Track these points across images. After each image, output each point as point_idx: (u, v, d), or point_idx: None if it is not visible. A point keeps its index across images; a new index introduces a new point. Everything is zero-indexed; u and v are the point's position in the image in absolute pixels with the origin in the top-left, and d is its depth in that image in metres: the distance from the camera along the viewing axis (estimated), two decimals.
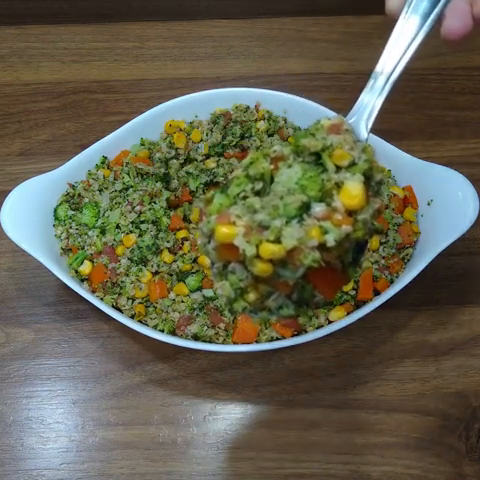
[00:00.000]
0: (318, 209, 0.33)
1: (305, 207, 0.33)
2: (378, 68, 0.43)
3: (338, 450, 0.55)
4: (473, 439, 0.55)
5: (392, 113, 0.74)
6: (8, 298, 0.62)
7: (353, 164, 0.34)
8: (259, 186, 0.35)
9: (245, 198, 0.34)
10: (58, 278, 0.54)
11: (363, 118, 0.40)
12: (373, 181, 0.35)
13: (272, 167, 0.35)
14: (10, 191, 0.57)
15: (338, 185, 0.34)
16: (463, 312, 0.61)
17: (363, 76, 0.80)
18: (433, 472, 0.54)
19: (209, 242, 0.35)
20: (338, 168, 0.34)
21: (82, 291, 0.55)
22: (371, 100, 0.41)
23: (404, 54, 0.43)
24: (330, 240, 0.32)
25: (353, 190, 0.33)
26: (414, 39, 0.43)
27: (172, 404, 0.57)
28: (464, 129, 0.73)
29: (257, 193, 0.35)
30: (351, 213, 0.33)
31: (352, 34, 0.81)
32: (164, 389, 0.57)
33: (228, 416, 0.56)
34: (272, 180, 0.35)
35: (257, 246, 0.33)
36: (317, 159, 0.35)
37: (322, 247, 0.32)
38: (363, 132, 0.40)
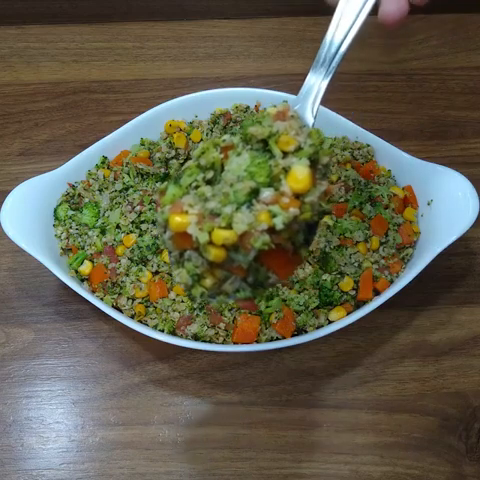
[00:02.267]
0: (266, 194, 0.34)
1: (254, 193, 0.34)
2: (321, 52, 0.43)
3: (338, 450, 0.55)
4: (473, 439, 0.55)
5: (392, 113, 0.75)
6: (8, 298, 0.62)
7: (299, 149, 0.35)
8: (210, 175, 0.36)
9: (197, 187, 0.35)
10: (58, 278, 0.54)
11: (309, 103, 0.42)
12: (320, 164, 0.36)
13: (222, 156, 0.36)
14: (10, 191, 0.56)
15: (285, 170, 0.35)
16: (463, 312, 0.61)
17: (363, 76, 0.81)
18: (433, 472, 0.54)
19: (165, 232, 0.35)
20: (285, 153, 0.35)
21: (82, 291, 0.55)
22: (316, 83, 0.42)
23: (345, 38, 0.43)
24: (278, 223, 0.33)
25: (299, 174, 0.34)
26: (355, 22, 0.43)
27: (172, 404, 0.57)
28: (464, 129, 0.73)
29: (208, 182, 0.35)
30: (298, 196, 0.34)
31: None
32: (164, 389, 0.57)
33: (228, 416, 0.56)
34: (223, 169, 0.36)
35: (209, 233, 0.34)
36: (265, 146, 0.36)
37: (272, 230, 0.33)
38: (309, 117, 0.41)
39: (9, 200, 0.56)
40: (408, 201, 0.61)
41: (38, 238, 0.56)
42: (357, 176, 0.61)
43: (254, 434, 0.56)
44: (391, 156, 0.62)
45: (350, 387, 0.57)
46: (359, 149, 0.64)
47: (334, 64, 0.43)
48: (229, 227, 0.34)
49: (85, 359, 0.59)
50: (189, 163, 0.37)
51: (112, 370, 0.58)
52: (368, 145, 0.64)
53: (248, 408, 0.57)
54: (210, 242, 0.34)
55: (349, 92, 0.76)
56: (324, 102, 0.64)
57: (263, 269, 0.36)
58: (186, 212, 0.34)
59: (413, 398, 0.57)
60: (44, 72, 0.78)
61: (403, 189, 0.62)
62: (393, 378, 0.58)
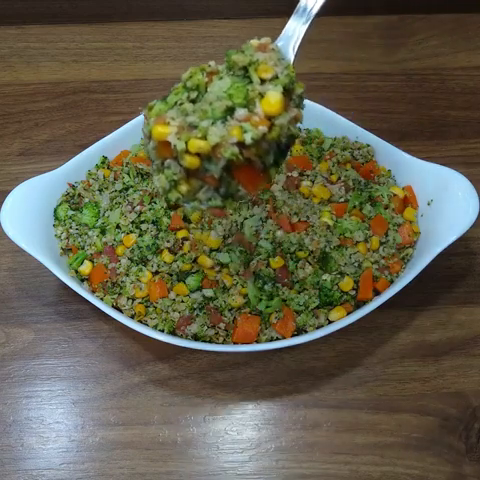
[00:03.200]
0: (240, 113, 0.38)
1: (230, 111, 0.38)
2: (302, 1, 0.47)
3: (338, 450, 0.55)
4: (473, 439, 0.55)
5: (392, 113, 0.75)
6: (8, 298, 0.62)
7: (276, 78, 0.39)
8: (194, 95, 0.39)
9: (181, 105, 0.39)
10: (58, 278, 0.54)
11: (290, 43, 0.46)
12: (295, 94, 0.40)
13: (207, 80, 0.40)
14: (10, 191, 0.56)
15: (261, 95, 0.38)
16: (463, 312, 0.61)
17: (363, 76, 0.81)
18: (433, 472, 0.54)
19: (149, 142, 0.39)
20: (263, 81, 0.39)
21: (82, 291, 0.55)
22: (297, 28, 0.46)
23: None
24: (248, 138, 0.37)
25: (272, 99, 0.38)
26: None
27: (172, 404, 0.57)
28: (464, 129, 0.73)
29: (192, 101, 0.39)
30: (270, 118, 0.38)
31: (352, 34, 0.81)
32: (164, 389, 0.57)
33: (228, 416, 0.56)
34: (206, 90, 0.40)
35: (186, 142, 0.37)
36: (245, 73, 0.40)
37: (242, 145, 0.37)
38: (290, 54, 0.45)
39: (9, 200, 0.56)
40: (408, 201, 0.61)
41: (38, 238, 0.56)
42: (357, 176, 0.61)
43: (254, 434, 0.56)
44: (391, 156, 0.62)
45: (350, 387, 0.57)
46: (359, 149, 0.64)
47: (313, 11, 0.46)
48: (204, 138, 0.37)
49: (85, 359, 0.59)
50: (176, 85, 0.41)
51: (112, 370, 0.58)
52: (368, 145, 0.64)
53: (250, 409, 0.57)
54: (187, 151, 0.38)
55: (349, 92, 0.76)
56: (324, 102, 0.65)
57: (234, 182, 0.39)
58: (168, 123, 0.38)
59: (413, 398, 0.57)
60: (44, 72, 0.78)
61: (403, 189, 0.62)
62: (393, 378, 0.58)
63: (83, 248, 0.58)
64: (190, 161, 0.38)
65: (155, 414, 0.56)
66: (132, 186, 0.61)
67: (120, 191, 0.61)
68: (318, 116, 0.64)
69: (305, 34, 0.46)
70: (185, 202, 0.41)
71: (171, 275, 0.57)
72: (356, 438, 0.55)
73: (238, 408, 0.57)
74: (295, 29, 0.46)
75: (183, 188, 0.40)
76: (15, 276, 0.63)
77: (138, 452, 0.55)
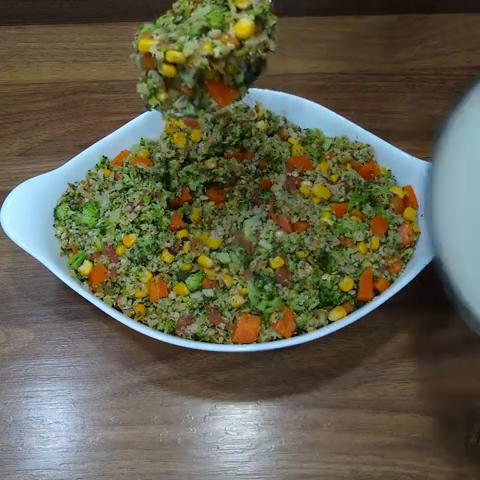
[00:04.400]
0: (214, 32, 0.44)
1: (205, 30, 0.44)
2: None
3: (338, 450, 0.55)
4: (473, 439, 0.55)
5: (392, 113, 0.74)
6: (8, 298, 0.62)
7: (251, 8, 0.45)
8: (179, 19, 0.46)
9: (167, 26, 0.45)
10: (58, 278, 0.54)
11: None
12: (268, 25, 0.46)
13: (192, 7, 0.46)
14: (10, 191, 0.56)
15: (235, 21, 0.44)
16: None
17: (363, 76, 0.81)
18: (433, 472, 0.54)
19: (136, 56, 0.46)
20: (239, 10, 0.45)
21: (82, 291, 0.55)
22: None
23: None
24: (216, 52, 0.43)
25: (244, 23, 0.44)
26: None
27: (172, 404, 0.57)
28: None
29: (177, 23, 0.46)
30: (240, 40, 0.44)
31: (352, 34, 0.81)
32: (164, 389, 0.57)
33: (228, 416, 0.56)
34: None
35: (165, 53, 0.44)
36: (225, 2, 0.45)
37: (213, 59, 0.43)
38: None
39: (9, 200, 0.56)
40: (408, 201, 0.61)
41: (38, 238, 0.56)
42: (357, 176, 0.61)
43: (254, 434, 0.56)
44: (391, 156, 0.62)
45: (350, 387, 0.57)
46: (359, 149, 0.64)
47: None
48: (180, 51, 0.44)
49: (85, 359, 0.59)
50: (166, 13, 0.47)
51: (112, 370, 0.58)
52: (368, 145, 0.64)
53: (250, 409, 0.57)
54: (165, 61, 0.44)
55: (349, 92, 0.76)
56: (324, 102, 0.65)
57: (207, 95, 0.46)
58: (152, 38, 0.44)
59: (413, 398, 0.57)
60: (44, 72, 0.78)
61: (403, 189, 0.62)
62: (393, 378, 0.58)
63: (83, 248, 0.58)
64: (167, 70, 0.44)
65: (155, 414, 0.56)
66: (132, 186, 0.61)
67: (120, 191, 0.61)
68: (318, 116, 0.64)
69: None
70: (163, 109, 0.47)
71: (171, 275, 0.57)
72: (356, 438, 0.55)
73: (238, 408, 0.57)
74: None
75: (161, 96, 0.46)
76: (15, 276, 0.63)
77: (138, 452, 0.55)
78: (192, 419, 0.56)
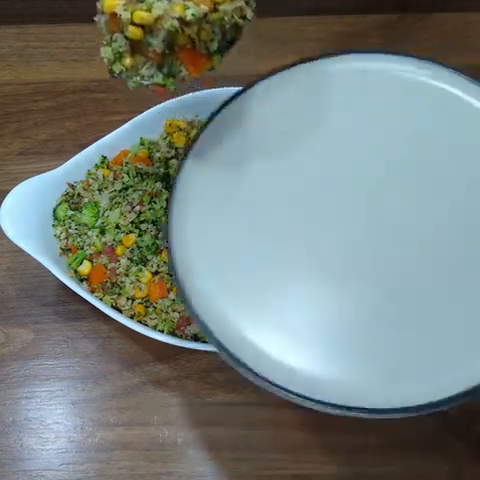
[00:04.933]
0: None
1: None
2: None
3: (338, 450, 0.55)
4: (473, 439, 0.55)
5: None
6: (7, 298, 0.62)
7: None
8: None
9: None
10: (57, 278, 0.54)
11: None
12: None
13: None
14: (9, 191, 0.56)
15: None
16: None
17: None
18: (433, 472, 0.54)
19: (102, 17, 0.43)
20: None
21: (81, 291, 0.55)
22: None
23: None
24: (188, 14, 0.40)
25: None
26: None
27: (172, 404, 0.57)
28: None
29: None
30: (215, 4, 0.41)
31: (352, 34, 0.81)
32: (164, 389, 0.57)
33: (228, 416, 0.56)
34: None
35: (132, 13, 0.41)
36: None
37: (185, 23, 0.41)
38: None
39: (8, 200, 0.56)
40: None
41: (37, 238, 0.56)
42: None
43: (254, 435, 0.56)
44: None
45: None
46: None
47: None
48: (149, 11, 0.41)
49: (84, 359, 0.59)
50: None
51: (111, 370, 0.58)
52: None
53: (248, 409, 0.57)
54: (132, 22, 0.41)
55: None
56: None
57: (177, 63, 0.43)
58: None
59: None
60: (44, 71, 0.78)
61: None
62: None
63: (82, 248, 0.58)
64: (133, 31, 0.41)
65: (155, 415, 0.56)
66: (132, 186, 0.60)
67: (120, 191, 0.60)
68: None
69: None
70: (128, 77, 0.44)
71: (171, 275, 0.57)
72: (356, 438, 0.55)
73: (238, 408, 0.57)
74: None
75: (127, 61, 0.43)
76: (14, 276, 0.63)
77: (138, 453, 0.55)
78: (192, 419, 0.56)
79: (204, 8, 0.41)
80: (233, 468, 0.54)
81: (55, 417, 0.56)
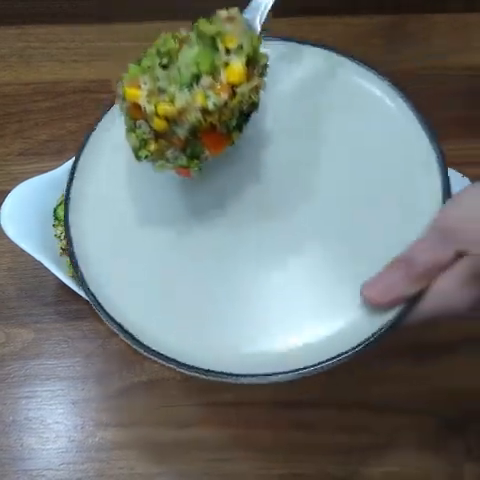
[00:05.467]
0: (205, 80, 0.42)
1: (196, 78, 0.42)
2: None
3: (337, 450, 0.55)
4: (472, 440, 0.55)
5: None
6: (8, 298, 0.62)
7: (240, 48, 0.43)
8: (165, 61, 0.43)
9: (154, 70, 0.43)
10: (58, 278, 0.54)
11: (257, 14, 0.49)
12: (258, 65, 0.44)
13: (178, 47, 0.44)
14: (10, 191, 0.56)
15: (226, 64, 0.42)
16: None
17: None
18: (433, 472, 0.54)
19: (123, 103, 0.43)
20: (228, 51, 0.43)
21: (81, 291, 0.55)
22: (264, 1, 0.50)
23: None
24: (210, 104, 0.41)
25: (235, 68, 0.42)
26: None
27: (172, 404, 0.57)
28: (465, 129, 0.73)
29: (164, 67, 0.43)
30: (232, 86, 0.42)
31: (352, 34, 0.81)
32: (164, 389, 0.57)
33: (227, 416, 0.56)
34: (177, 57, 0.43)
35: (156, 106, 0.41)
36: (213, 43, 0.43)
37: (206, 111, 0.41)
38: (257, 25, 0.48)
39: (9, 200, 0.56)
40: None
41: (37, 238, 0.56)
42: None
43: (254, 434, 0.56)
44: None
45: (348, 387, 0.57)
46: None
47: None
48: (172, 103, 0.41)
49: (85, 359, 0.59)
50: (150, 50, 0.45)
51: (112, 370, 0.58)
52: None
53: (247, 408, 0.57)
54: (156, 114, 0.41)
55: None
56: None
57: (199, 144, 0.43)
58: (139, 87, 0.42)
59: (413, 398, 0.57)
60: (44, 72, 0.78)
61: None
62: (391, 378, 0.58)
63: None
64: (158, 124, 0.42)
65: (155, 414, 0.56)
66: None
67: None
68: None
69: (272, 6, 0.49)
70: (153, 160, 0.44)
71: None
72: (354, 438, 0.55)
73: (238, 408, 0.57)
74: (262, 2, 0.49)
75: (152, 147, 0.43)
76: (15, 276, 0.63)
77: (138, 452, 0.55)
78: (192, 419, 0.56)
79: (224, 96, 0.41)
80: (233, 468, 0.54)
81: (55, 417, 0.56)
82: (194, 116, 0.41)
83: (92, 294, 0.45)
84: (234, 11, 0.45)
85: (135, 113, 0.43)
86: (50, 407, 0.57)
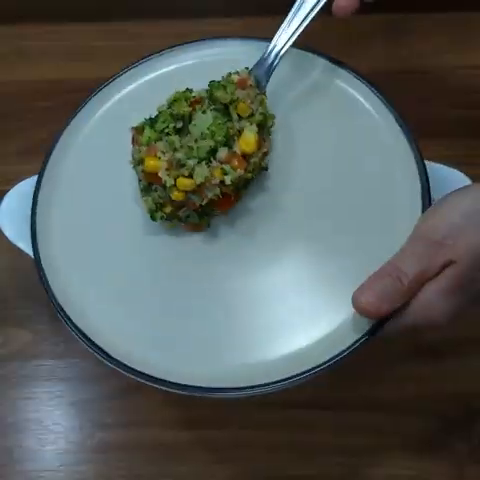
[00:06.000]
0: (221, 154, 0.44)
1: (212, 151, 0.45)
2: (274, 40, 0.52)
3: (337, 451, 0.55)
4: (474, 440, 0.55)
5: None
6: (6, 298, 0.62)
7: (252, 115, 0.46)
8: (180, 125, 0.46)
9: (168, 134, 0.45)
10: None
11: (263, 71, 0.50)
12: (266, 127, 0.48)
13: (191, 109, 0.46)
14: (8, 191, 0.56)
15: (239, 131, 0.45)
16: None
17: (363, 76, 0.79)
18: (433, 474, 0.54)
19: (139, 165, 0.46)
20: (240, 117, 0.46)
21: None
22: (269, 60, 0.51)
23: (296, 30, 0.53)
24: (228, 180, 0.44)
25: (249, 139, 0.45)
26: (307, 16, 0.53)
27: (171, 405, 0.57)
28: (466, 128, 0.73)
29: (178, 130, 0.46)
30: (246, 156, 0.45)
31: (353, 33, 0.80)
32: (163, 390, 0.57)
33: (228, 417, 0.56)
34: (190, 119, 0.46)
35: (175, 179, 0.44)
36: (225, 108, 0.46)
37: (222, 182, 0.44)
38: (263, 82, 0.50)
39: (7, 200, 0.56)
40: None
41: None
42: None
43: (252, 435, 0.55)
44: None
45: (350, 387, 0.57)
46: None
47: (289, 44, 0.52)
48: (190, 176, 0.44)
49: (83, 360, 0.58)
50: (162, 108, 0.47)
51: (111, 371, 0.58)
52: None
53: (248, 409, 0.56)
54: (175, 186, 0.44)
55: None
56: None
57: (210, 206, 0.46)
58: (159, 158, 0.44)
59: (414, 399, 0.57)
60: (43, 71, 0.78)
61: None
62: (393, 378, 0.58)
63: None
64: (177, 195, 0.44)
65: (154, 415, 0.56)
66: None
67: None
68: None
69: (278, 62, 0.51)
70: (167, 219, 0.47)
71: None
72: (355, 439, 0.55)
73: (238, 409, 0.56)
74: (268, 60, 0.51)
75: (167, 210, 0.46)
76: (13, 276, 0.63)
77: (137, 453, 0.55)
78: (192, 420, 0.56)
79: (240, 171, 0.44)
80: (233, 468, 0.54)
81: (54, 418, 0.56)
82: (213, 192, 0.44)
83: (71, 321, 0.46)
84: (246, 74, 0.48)
85: (152, 178, 0.45)
86: (49, 408, 0.57)
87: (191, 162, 0.44)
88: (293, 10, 0.54)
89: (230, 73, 0.48)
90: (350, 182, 0.49)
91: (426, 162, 0.60)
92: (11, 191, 0.56)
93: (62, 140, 0.56)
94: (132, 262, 0.48)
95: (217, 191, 0.44)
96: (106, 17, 0.82)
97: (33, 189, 0.58)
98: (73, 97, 0.75)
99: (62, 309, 0.46)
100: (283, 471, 0.54)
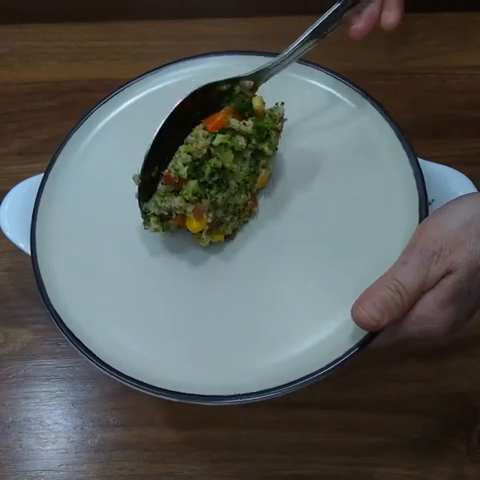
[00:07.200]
0: (246, 201, 0.48)
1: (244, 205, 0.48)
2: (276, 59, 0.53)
3: (338, 451, 0.55)
4: (474, 440, 0.55)
5: (392, 112, 0.74)
6: (7, 298, 0.61)
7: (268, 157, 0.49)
8: (220, 177, 0.45)
9: (210, 186, 0.44)
10: None
11: (263, 79, 0.52)
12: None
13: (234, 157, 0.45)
14: (9, 191, 0.56)
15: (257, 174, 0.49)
16: None
17: (364, 75, 0.80)
18: (434, 473, 0.54)
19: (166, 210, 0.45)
20: (263, 154, 0.48)
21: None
22: (273, 69, 0.54)
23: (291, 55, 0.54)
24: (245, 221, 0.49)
25: (264, 176, 0.49)
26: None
27: (172, 405, 0.56)
28: (466, 128, 0.73)
29: (216, 181, 0.45)
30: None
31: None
32: None
33: (228, 417, 0.56)
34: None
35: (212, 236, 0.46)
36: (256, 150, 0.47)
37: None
38: (255, 90, 0.51)
39: (7, 200, 0.56)
40: None
41: None
42: None
43: (254, 435, 0.55)
44: None
45: (350, 387, 0.57)
46: None
47: (291, 59, 0.54)
48: (223, 232, 0.47)
49: (84, 360, 0.58)
50: (203, 150, 0.43)
51: None
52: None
53: (248, 409, 0.56)
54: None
55: None
56: None
57: None
58: (203, 218, 0.44)
59: (414, 399, 0.57)
60: (43, 71, 0.78)
61: None
62: (394, 378, 0.58)
63: None
64: (205, 243, 0.46)
65: (155, 415, 0.56)
66: None
67: None
68: None
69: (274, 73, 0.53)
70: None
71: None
72: (356, 439, 0.55)
73: (238, 409, 0.56)
74: (271, 69, 0.54)
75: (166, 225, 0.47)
76: (14, 276, 0.63)
77: (137, 453, 0.55)
78: (192, 420, 0.56)
79: (255, 210, 0.50)
80: (233, 468, 0.54)
81: (55, 417, 0.56)
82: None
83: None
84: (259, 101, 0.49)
85: (182, 224, 0.46)
86: (49, 408, 0.57)
87: (227, 218, 0.46)
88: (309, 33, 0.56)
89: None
90: (349, 195, 0.50)
91: (427, 162, 0.60)
92: (12, 191, 0.56)
93: (67, 144, 0.56)
94: (132, 267, 0.48)
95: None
96: (106, 17, 0.82)
97: (33, 189, 0.58)
98: (73, 97, 0.75)
99: (55, 312, 0.47)
100: (283, 471, 0.54)
